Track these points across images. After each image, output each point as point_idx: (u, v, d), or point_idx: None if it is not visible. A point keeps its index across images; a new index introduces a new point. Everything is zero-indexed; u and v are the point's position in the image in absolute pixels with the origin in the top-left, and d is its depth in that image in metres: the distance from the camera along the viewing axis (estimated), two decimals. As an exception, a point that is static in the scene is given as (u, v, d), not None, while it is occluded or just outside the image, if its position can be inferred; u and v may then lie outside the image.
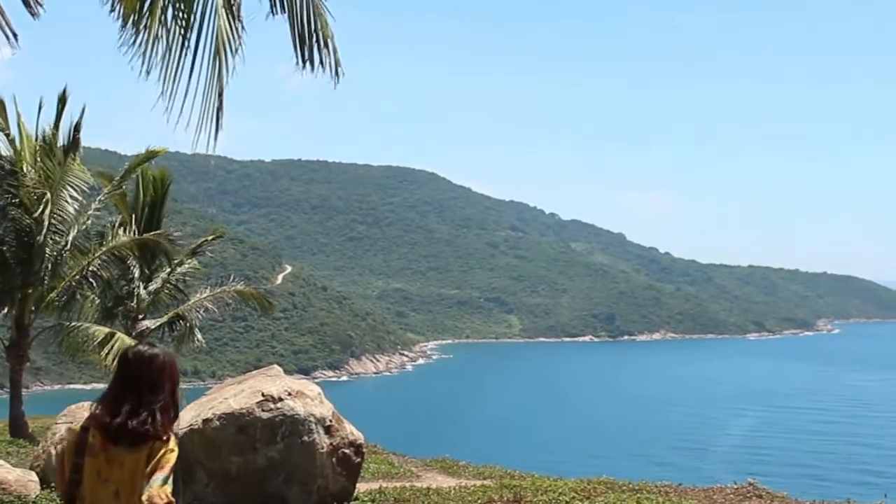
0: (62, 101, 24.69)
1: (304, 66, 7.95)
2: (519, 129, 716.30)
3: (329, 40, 8.00)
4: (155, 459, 5.09)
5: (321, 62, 8.01)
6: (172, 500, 5.00)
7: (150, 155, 27.67)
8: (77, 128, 24.76)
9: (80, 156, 24.94)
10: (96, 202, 26.13)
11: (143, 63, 7.24)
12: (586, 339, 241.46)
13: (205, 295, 30.55)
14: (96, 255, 25.24)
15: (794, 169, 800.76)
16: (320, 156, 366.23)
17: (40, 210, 23.57)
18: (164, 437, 5.16)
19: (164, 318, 29.72)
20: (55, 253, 24.41)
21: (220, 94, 7.28)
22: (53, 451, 14.53)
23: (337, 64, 8.09)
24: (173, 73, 7.29)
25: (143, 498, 4.98)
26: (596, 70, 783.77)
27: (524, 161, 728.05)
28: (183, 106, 7.15)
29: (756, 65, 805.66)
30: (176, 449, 5.19)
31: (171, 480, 5.09)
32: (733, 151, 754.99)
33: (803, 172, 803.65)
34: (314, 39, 7.92)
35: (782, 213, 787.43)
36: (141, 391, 5.20)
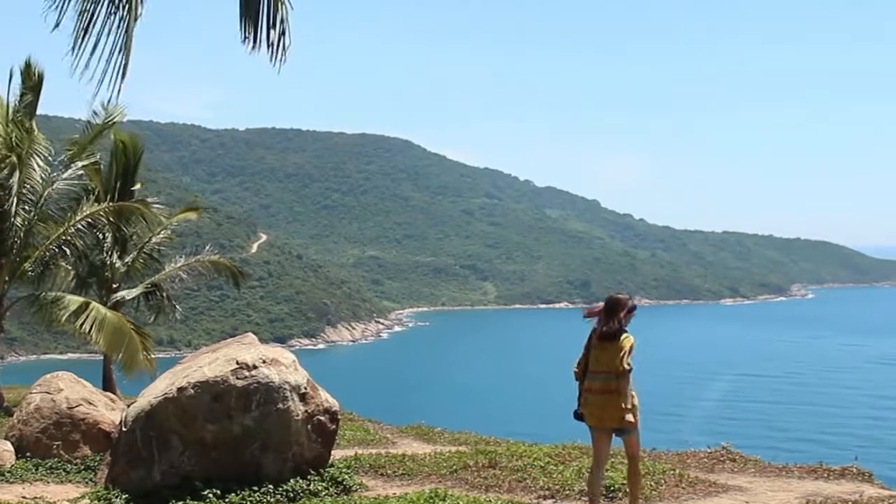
0: (28, 70, 24.52)
1: (246, 42, 7.47)
2: (492, 98, 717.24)
3: (280, 18, 7.58)
4: (624, 344, 9.73)
5: (267, 40, 7.51)
6: (631, 366, 9.68)
7: (111, 116, 27.24)
8: (35, 90, 24.56)
9: (36, 119, 24.72)
10: (69, 172, 25.83)
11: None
12: (562, 305, 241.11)
13: (179, 265, 30.53)
14: (71, 223, 25.00)
15: (768, 135, 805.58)
16: (294, 124, 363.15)
17: (7, 177, 23.36)
18: (624, 334, 9.83)
19: (140, 289, 29.66)
20: (26, 223, 24.16)
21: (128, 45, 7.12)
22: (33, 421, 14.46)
23: (283, 45, 7.62)
24: (85, 24, 7.13)
25: (618, 363, 9.64)
26: (567, 36, 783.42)
27: (498, 129, 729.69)
28: (90, 58, 7.05)
29: (727, 26, 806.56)
30: (631, 338, 9.84)
31: (631, 356, 9.77)
32: (706, 116, 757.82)
33: (777, 138, 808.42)
34: (262, 16, 7.49)
35: (756, 179, 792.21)
36: (614, 314, 9.97)
